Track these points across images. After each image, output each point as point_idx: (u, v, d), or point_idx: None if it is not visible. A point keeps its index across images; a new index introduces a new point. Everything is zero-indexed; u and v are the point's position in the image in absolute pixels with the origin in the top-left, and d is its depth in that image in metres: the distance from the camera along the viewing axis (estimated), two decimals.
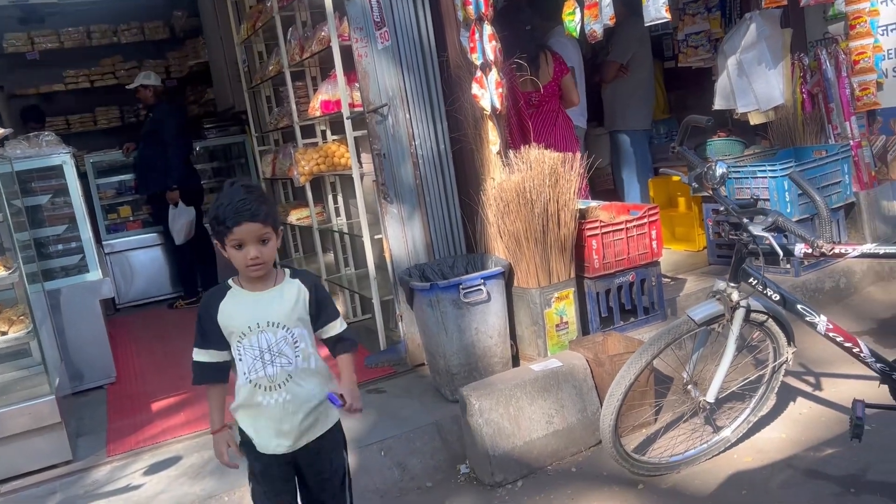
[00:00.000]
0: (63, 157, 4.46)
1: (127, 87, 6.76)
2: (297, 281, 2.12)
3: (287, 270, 2.14)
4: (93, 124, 8.72)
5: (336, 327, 2.18)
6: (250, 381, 2.07)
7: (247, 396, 2.09)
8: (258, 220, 1.98)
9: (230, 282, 2.12)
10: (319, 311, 2.14)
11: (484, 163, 3.81)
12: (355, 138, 4.12)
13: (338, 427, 2.22)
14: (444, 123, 3.84)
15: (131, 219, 7.02)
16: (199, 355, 2.13)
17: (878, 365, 2.62)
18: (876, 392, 2.74)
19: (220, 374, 2.15)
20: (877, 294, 4.46)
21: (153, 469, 3.25)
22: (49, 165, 4.48)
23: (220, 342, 2.09)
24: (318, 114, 4.37)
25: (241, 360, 2.08)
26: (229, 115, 7.55)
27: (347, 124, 4.05)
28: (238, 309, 2.07)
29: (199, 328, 2.12)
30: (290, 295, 2.09)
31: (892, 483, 2.61)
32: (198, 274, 6.61)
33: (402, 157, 3.79)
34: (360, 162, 4.23)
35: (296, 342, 2.08)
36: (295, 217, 5.41)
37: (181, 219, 6.23)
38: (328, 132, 5.20)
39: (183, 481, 3.11)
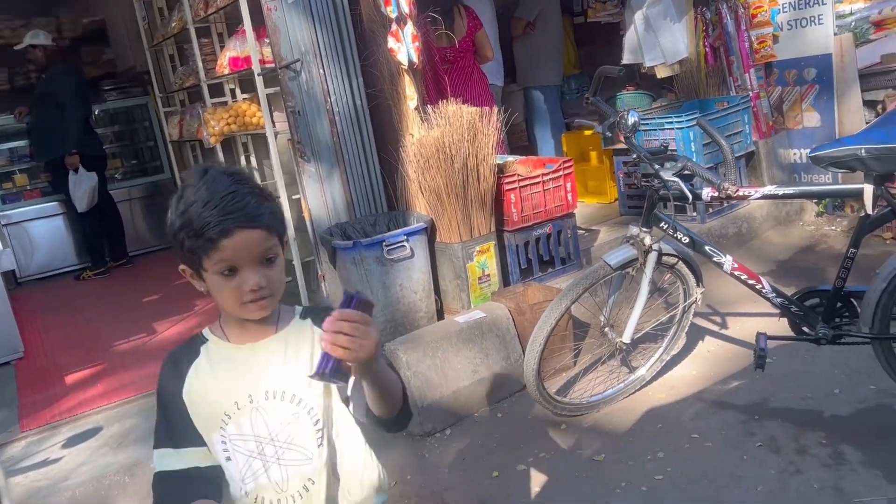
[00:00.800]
0: None
1: (15, 47, 6.32)
2: (308, 322, 1.35)
3: (297, 308, 1.39)
4: None
5: None
6: (247, 493, 1.31)
7: None
8: (259, 225, 1.21)
9: (206, 332, 1.35)
10: None
11: (402, 118, 3.79)
12: (267, 96, 4.02)
13: None
14: (359, 79, 3.79)
15: (28, 188, 6.65)
16: (167, 460, 1.30)
17: (779, 300, 2.80)
18: (777, 325, 2.94)
19: (209, 488, 1.30)
20: (775, 238, 4.74)
21: (72, 441, 3.16)
22: None
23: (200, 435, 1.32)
24: (226, 71, 4.23)
25: (228, 459, 1.31)
26: (130, 75, 7.21)
27: (259, 81, 3.94)
28: (218, 374, 1.29)
29: (161, 417, 1.32)
30: (302, 344, 1.31)
31: (791, 408, 2.82)
32: (104, 242, 6.35)
33: (317, 115, 3.73)
34: (273, 121, 4.13)
35: (316, 422, 1.31)
36: None
37: (83, 185, 5.94)
38: (238, 90, 5.05)
39: (105, 451, 3.03)
